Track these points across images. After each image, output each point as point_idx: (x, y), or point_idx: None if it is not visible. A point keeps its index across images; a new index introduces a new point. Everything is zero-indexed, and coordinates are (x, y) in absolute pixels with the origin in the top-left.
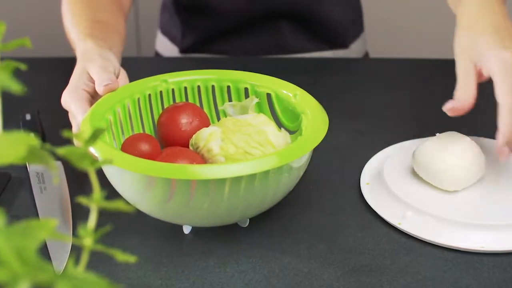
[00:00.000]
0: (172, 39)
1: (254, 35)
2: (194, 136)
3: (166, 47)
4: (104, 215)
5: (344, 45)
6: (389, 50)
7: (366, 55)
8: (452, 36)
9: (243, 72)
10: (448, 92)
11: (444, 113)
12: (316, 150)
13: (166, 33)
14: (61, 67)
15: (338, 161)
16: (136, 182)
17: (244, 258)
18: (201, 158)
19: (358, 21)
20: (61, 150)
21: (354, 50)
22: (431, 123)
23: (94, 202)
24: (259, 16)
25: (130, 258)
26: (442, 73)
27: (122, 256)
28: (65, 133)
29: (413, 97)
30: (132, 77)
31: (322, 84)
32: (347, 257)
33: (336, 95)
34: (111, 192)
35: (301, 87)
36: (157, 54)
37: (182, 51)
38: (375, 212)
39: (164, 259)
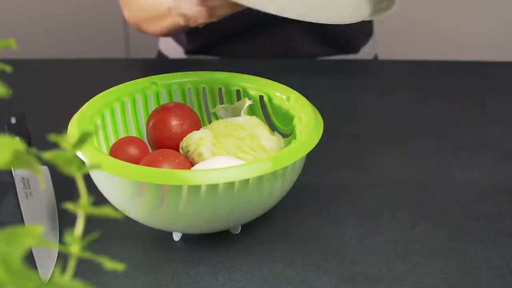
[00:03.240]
0: (177, 39)
1: (262, 38)
2: (184, 139)
3: (170, 47)
4: (92, 221)
5: (355, 49)
6: (392, 52)
7: (375, 57)
8: (453, 38)
9: (233, 73)
10: (445, 94)
11: (445, 115)
12: (310, 154)
13: None
14: (48, 69)
15: (333, 166)
16: (125, 188)
17: (236, 266)
18: (187, 161)
19: (369, 24)
20: (47, 155)
21: (364, 54)
22: (430, 126)
23: (81, 208)
24: (268, 19)
25: (118, 266)
26: (439, 74)
27: (110, 264)
28: (52, 137)
29: (411, 99)
30: (121, 80)
31: (318, 86)
32: (342, 265)
33: (331, 97)
34: (99, 198)
35: (295, 89)
36: (159, 54)
37: (187, 52)
38: (371, 218)
39: (153, 267)
